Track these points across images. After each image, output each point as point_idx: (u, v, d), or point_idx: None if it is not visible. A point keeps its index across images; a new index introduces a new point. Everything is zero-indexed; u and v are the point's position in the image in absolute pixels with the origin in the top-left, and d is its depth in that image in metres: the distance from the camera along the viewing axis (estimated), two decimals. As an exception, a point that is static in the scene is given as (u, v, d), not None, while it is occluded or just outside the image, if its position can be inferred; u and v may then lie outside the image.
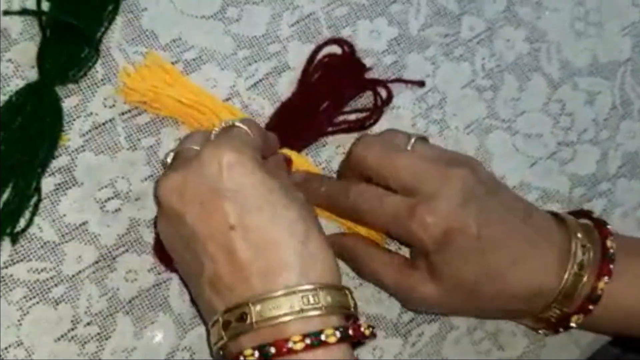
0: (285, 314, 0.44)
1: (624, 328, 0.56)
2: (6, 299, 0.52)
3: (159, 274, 0.55)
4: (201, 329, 0.55)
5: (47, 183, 0.54)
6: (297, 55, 0.60)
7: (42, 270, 0.53)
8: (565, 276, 0.53)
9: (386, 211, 0.53)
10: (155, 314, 0.55)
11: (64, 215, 0.54)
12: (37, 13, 0.54)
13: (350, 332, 0.45)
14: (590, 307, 0.53)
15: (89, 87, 0.55)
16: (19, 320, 0.52)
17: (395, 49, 0.63)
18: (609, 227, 0.55)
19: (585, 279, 0.53)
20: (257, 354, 0.43)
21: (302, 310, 0.44)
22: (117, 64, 0.56)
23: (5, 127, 0.53)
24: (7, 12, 0.54)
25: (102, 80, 0.56)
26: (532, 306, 0.55)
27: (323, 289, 0.45)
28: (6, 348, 0.52)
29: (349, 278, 0.58)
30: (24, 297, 0.52)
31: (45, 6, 0.54)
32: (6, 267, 0.52)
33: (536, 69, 0.66)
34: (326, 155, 0.60)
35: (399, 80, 0.62)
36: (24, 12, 0.54)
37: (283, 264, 0.45)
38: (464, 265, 0.52)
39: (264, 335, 0.44)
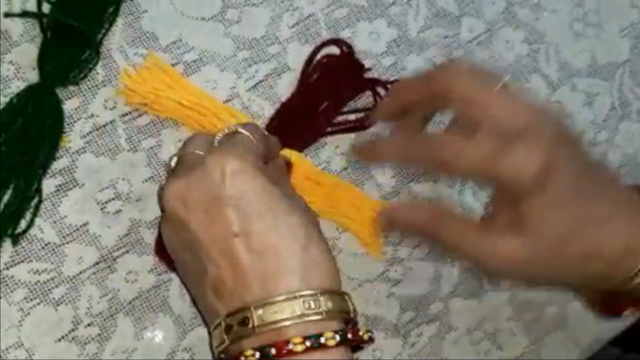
0: (287, 319, 0.44)
1: None
2: (7, 300, 0.52)
3: (159, 274, 0.55)
4: (201, 330, 0.56)
5: (48, 184, 0.54)
6: (297, 57, 0.60)
7: (42, 272, 0.53)
8: None
9: (481, 152, 0.48)
10: (156, 315, 0.55)
11: (65, 216, 0.54)
12: (38, 15, 0.54)
13: (349, 335, 0.45)
14: None
15: (89, 88, 0.55)
16: (19, 321, 0.52)
17: (394, 51, 0.63)
18: None
19: None
20: (257, 354, 0.44)
21: (303, 315, 0.44)
22: (117, 65, 0.56)
23: (6, 128, 0.53)
24: (7, 14, 0.54)
25: (102, 82, 0.56)
26: (619, 270, 0.50)
27: (324, 294, 0.45)
28: (7, 349, 0.52)
29: (349, 280, 0.58)
30: (25, 298, 0.53)
31: (46, 8, 0.55)
32: (7, 268, 0.52)
33: (535, 70, 0.66)
34: (326, 155, 0.60)
35: (398, 81, 0.62)
36: (24, 14, 0.54)
37: (285, 269, 0.45)
38: (555, 213, 0.48)
39: (265, 339, 0.44)
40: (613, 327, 0.65)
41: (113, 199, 0.55)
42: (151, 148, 0.56)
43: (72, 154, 0.55)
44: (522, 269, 0.49)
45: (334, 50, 0.61)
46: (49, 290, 0.53)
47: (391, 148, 0.52)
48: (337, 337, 0.44)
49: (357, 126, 0.60)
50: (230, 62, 0.59)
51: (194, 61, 0.58)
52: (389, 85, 0.61)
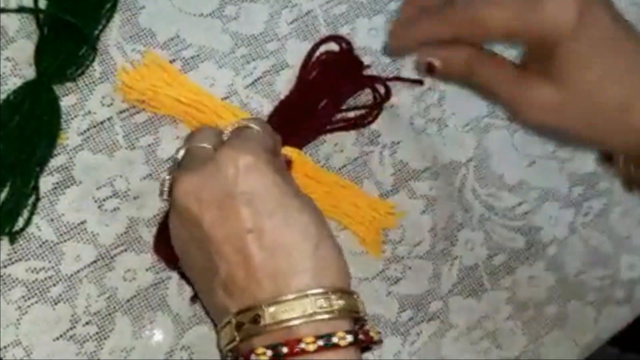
0: (298, 317, 0.44)
1: None
2: (5, 299, 0.52)
3: (158, 273, 0.55)
4: (200, 329, 0.55)
5: (45, 182, 0.53)
6: (296, 53, 0.60)
7: (40, 270, 0.53)
8: None
9: (512, 3, 0.48)
10: (154, 314, 0.55)
11: (62, 214, 0.54)
12: (35, 11, 0.54)
13: (361, 336, 0.45)
14: None
15: (86, 85, 0.55)
16: (17, 320, 0.52)
17: (394, 48, 0.62)
18: None
19: None
20: (269, 352, 0.44)
21: (314, 314, 0.44)
22: (114, 62, 0.56)
23: (3, 125, 0.52)
24: (4, 10, 0.54)
25: (99, 78, 0.55)
26: None
27: (335, 293, 0.45)
28: (5, 347, 0.52)
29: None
30: (23, 297, 0.52)
31: (42, 4, 0.54)
32: (4, 267, 0.52)
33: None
34: (325, 152, 0.60)
35: (397, 78, 0.61)
36: (21, 10, 0.54)
37: (296, 267, 0.45)
38: (591, 59, 0.48)
39: (276, 337, 0.44)
40: (612, 326, 0.65)
41: (111, 196, 0.55)
42: (149, 145, 0.56)
43: (69, 151, 0.54)
44: (557, 116, 0.50)
45: (333, 46, 0.61)
46: (47, 288, 0.53)
47: (423, 23, 0.52)
48: (349, 338, 0.44)
49: (357, 123, 0.60)
50: (228, 58, 0.58)
51: (192, 58, 0.57)
52: (388, 83, 0.61)
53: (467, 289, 0.62)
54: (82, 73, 0.55)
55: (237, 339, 0.45)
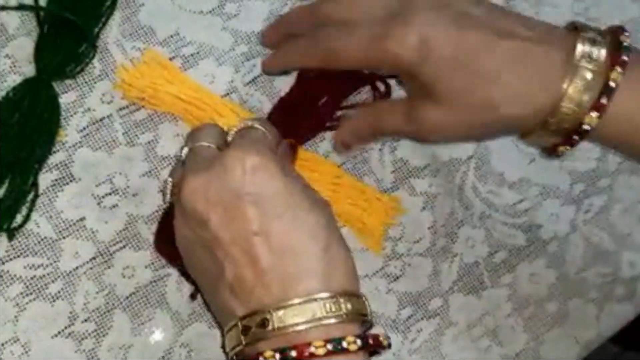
0: (306, 322, 0.44)
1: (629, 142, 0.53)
2: (3, 295, 0.52)
3: (157, 270, 0.55)
4: (199, 326, 0.55)
5: (45, 179, 0.53)
6: (296, 51, 0.60)
7: (39, 267, 0.53)
8: (576, 54, 0.50)
9: (360, 40, 0.51)
10: (153, 311, 0.55)
11: (61, 211, 0.54)
12: (35, 8, 0.54)
13: (370, 341, 0.45)
14: (603, 101, 0.49)
15: (86, 82, 0.55)
16: (15, 317, 0.52)
17: (394, 45, 0.62)
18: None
19: (595, 67, 0.50)
20: (278, 356, 0.43)
21: (322, 318, 0.44)
22: (114, 59, 0.56)
23: (3, 122, 0.52)
24: (4, 8, 0.54)
25: (99, 75, 0.55)
26: (523, 117, 0.51)
27: (343, 296, 0.45)
28: (3, 344, 0.52)
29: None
30: (21, 294, 0.52)
31: (42, 1, 0.54)
32: (3, 263, 0.52)
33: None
34: (324, 149, 0.60)
35: (397, 75, 0.61)
36: (21, 7, 0.54)
37: (304, 270, 0.45)
38: (452, 73, 0.50)
39: (283, 340, 0.44)
40: (613, 324, 0.65)
41: (110, 193, 0.55)
42: (148, 142, 0.56)
43: (68, 148, 0.54)
44: (450, 129, 0.53)
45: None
46: (45, 285, 0.53)
47: (289, 53, 0.56)
48: (359, 342, 0.44)
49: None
50: (228, 56, 0.58)
51: (192, 55, 0.57)
52: (388, 80, 0.61)
53: (467, 287, 0.61)
54: (82, 70, 0.55)
55: (244, 342, 0.45)
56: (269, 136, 0.50)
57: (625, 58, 0.50)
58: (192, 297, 0.55)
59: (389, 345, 0.46)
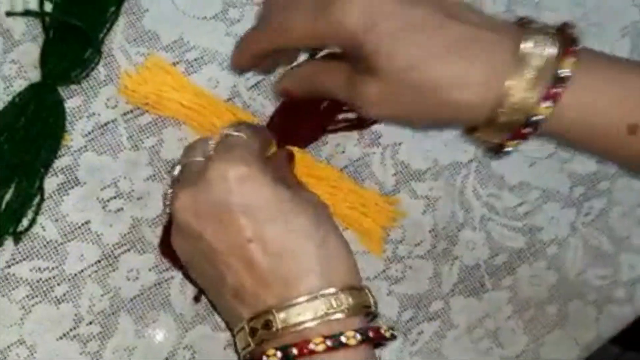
0: (310, 319, 0.44)
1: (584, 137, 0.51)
2: (9, 298, 0.53)
3: (161, 273, 0.56)
4: (202, 328, 0.56)
5: (50, 183, 0.54)
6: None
7: (44, 269, 0.53)
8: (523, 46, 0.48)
9: (305, 12, 0.50)
10: (157, 313, 0.55)
11: (67, 214, 0.54)
12: (40, 14, 0.55)
13: (370, 334, 0.45)
14: (557, 90, 0.48)
15: (91, 87, 0.56)
16: (21, 319, 0.53)
17: (395, 49, 0.63)
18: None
19: (546, 56, 0.48)
20: (279, 354, 0.44)
21: (325, 314, 0.45)
22: (119, 64, 0.56)
23: (9, 127, 0.53)
24: (10, 13, 0.54)
25: (104, 81, 0.56)
26: (466, 103, 0.49)
27: (344, 291, 0.45)
28: (9, 347, 0.52)
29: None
30: (27, 296, 0.53)
31: (48, 7, 0.55)
32: (9, 266, 0.53)
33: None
34: (326, 153, 0.60)
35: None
36: (26, 13, 0.55)
37: (303, 270, 0.46)
38: (395, 46, 0.48)
39: (288, 339, 0.44)
40: (613, 326, 0.65)
41: (114, 197, 0.55)
42: (153, 147, 0.56)
43: (73, 153, 0.55)
44: (388, 107, 0.51)
45: (336, 48, 0.61)
46: (51, 288, 0.53)
47: (247, 39, 0.55)
48: (358, 336, 0.44)
49: (358, 124, 0.60)
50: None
51: (196, 60, 0.58)
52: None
53: (468, 289, 0.62)
54: (87, 75, 0.55)
55: (252, 344, 0.46)
56: (252, 142, 0.50)
57: (576, 48, 0.49)
58: (196, 299, 0.56)
59: (393, 336, 0.47)
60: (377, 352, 0.58)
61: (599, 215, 0.65)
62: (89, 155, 0.55)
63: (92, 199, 0.55)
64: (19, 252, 0.53)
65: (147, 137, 0.56)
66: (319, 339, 0.44)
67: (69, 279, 0.54)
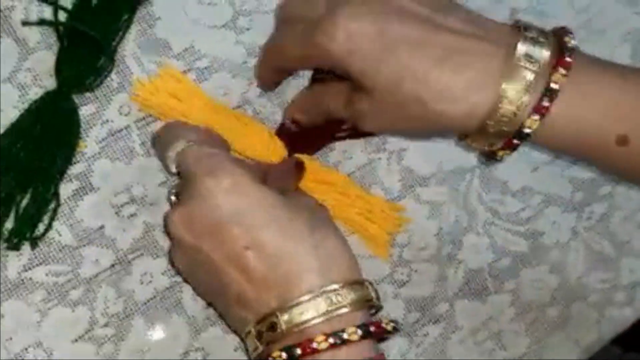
0: (313, 318, 0.46)
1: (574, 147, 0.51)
2: (26, 301, 0.54)
3: (173, 276, 0.57)
4: (214, 330, 0.57)
5: (65, 189, 0.55)
6: (306, 63, 0.61)
7: (60, 274, 0.55)
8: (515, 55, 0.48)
9: (295, 36, 0.52)
10: (169, 316, 0.56)
11: (82, 220, 0.55)
12: (55, 23, 0.55)
13: (372, 329, 0.46)
14: (546, 104, 0.48)
15: (104, 95, 0.57)
16: (38, 322, 0.54)
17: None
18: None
19: (536, 68, 0.48)
20: (284, 354, 0.45)
21: (328, 312, 0.46)
22: (131, 72, 0.57)
23: (25, 134, 0.54)
24: (25, 23, 0.55)
25: (117, 88, 0.57)
26: (452, 115, 0.49)
27: (345, 287, 0.46)
28: (26, 349, 0.54)
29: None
30: (43, 300, 0.54)
31: (62, 16, 0.55)
32: (26, 271, 0.54)
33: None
34: (334, 159, 0.61)
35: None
36: (41, 22, 0.55)
37: (302, 269, 0.47)
38: (378, 67, 0.49)
39: (294, 339, 0.46)
40: (614, 328, 0.66)
41: (128, 203, 0.56)
42: (165, 153, 0.57)
43: (88, 159, 0.56)
44: (382, 121, 0.52)
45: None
46: (67, 291, 0.55)
47: (258, 61, 0.58)
48: (360, 332, 0.45)
49: (365, 132, 0.61)
50: (241, 68, 0.59)
51: (206, 68, 0.59)
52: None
53: (472, 292, 0.63)
54: (101, 83, 0.56)
55: (260, 346, 0.47)
56: (216, 149, 0.52)
57: (569, 60, 0.48)
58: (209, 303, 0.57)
59: (395, 329, 0.48)
60: (384, 353, 0.59)
61: (600, 219, 0.66)
62: (103, 162, 0.56)
63: (106, 205, 0.56)
64: (36, 257, 0.54)
65: (160, 144, 0.57)
66: (321, 337, 0.45)
67: (84, 283, 0.55)
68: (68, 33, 0.56)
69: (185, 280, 0.56)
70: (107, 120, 0.57)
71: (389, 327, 0.48)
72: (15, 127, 0.54)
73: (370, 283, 0.49)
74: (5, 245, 0.53)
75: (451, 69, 0.48)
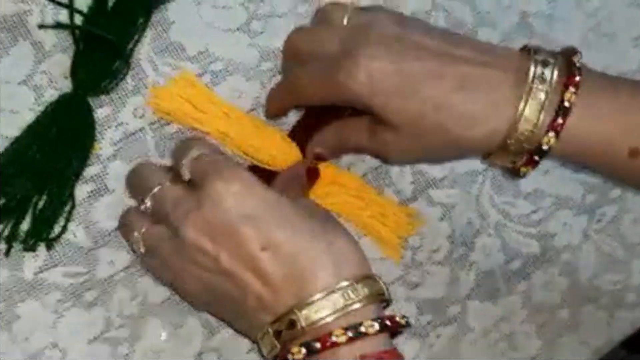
0: (331, 314, 0.47)
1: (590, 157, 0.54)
2: (42, 302, 0.54)
3: (188, 278, 0.57)
4: (228, 332, 0.57)
5: (81, 190, 0.55)
6: (319, 66, 0.61)
7: (76, 275, 0.55)
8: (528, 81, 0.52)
9: (313, 76, 0.54)
10: (184, 317, 0.57)
11: (97, 221, 0.56)
12: (71, 27, 0.56)
13: (388, 322, 0.47)
14: (560, 121, 0.51)
15: (119, 97, 0.57)
16: (54, 323, 0.54)
17: (413, 60, 0.64)
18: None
19: (548, 88, 0.52)
20: (304, 350, 0.46)
21: (344, 307, 0.47)
22: (146, 75, 0.57)
23: (41, 136, 0.54)
24: (41, 26, 0.55)
25: (132, 91, 0.57)
26: (480, 139, 0.53)
27: (359, 282, 0.48)
28: (42, 349, 0.54)
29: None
30: (59, 301, 0.54)
31: (78, 20, 0.56)
32: (42, 272, 0.54)
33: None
34: (347, 161, 0.61)
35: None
36: (57, 25, 0.56)
37: (317, 267, 0.48)
38: (400, 103, 0.52)
39: (312, 335, 0.47)
40: (624, 330, 0.67)
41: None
42: (179, 155, 0.58)
43: (103, 161, 0.56)
44: (408, 153, 0.56)
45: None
46: (82, 292, 0.55)
47: (273, 95, 0.59)
48: (376, 325, 0.47)
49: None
50: (255, 71, 0.60)
51: (220, 71, 0.59)
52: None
53: (484, 294, 0.63)
54: (116, 86, 0.56)
55: (278, 346, 0.48)
56: (223, 157, 0.53)
57: (577, 78, 0.51)
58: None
59: (407, 324, 0.49)
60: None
61: (610, 222, 0.67)
62: (118, 164, 0.56)
63: (121, 206, 0.56)
64: (52, 258, 0.54)
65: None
66: (340, 331, 0.46)
67: (100, 284, 0.55)
68: (84, 36, 0.56)
69: (172, 287, 0.55)
70: (122, 123, 0.57)
71: (403, 321, 0.49)
72: (31, 129, 0.54)
73: (379, 277, 0.50)
74: (21, 246, 0.53)
75: (469, 96, 0.52)
